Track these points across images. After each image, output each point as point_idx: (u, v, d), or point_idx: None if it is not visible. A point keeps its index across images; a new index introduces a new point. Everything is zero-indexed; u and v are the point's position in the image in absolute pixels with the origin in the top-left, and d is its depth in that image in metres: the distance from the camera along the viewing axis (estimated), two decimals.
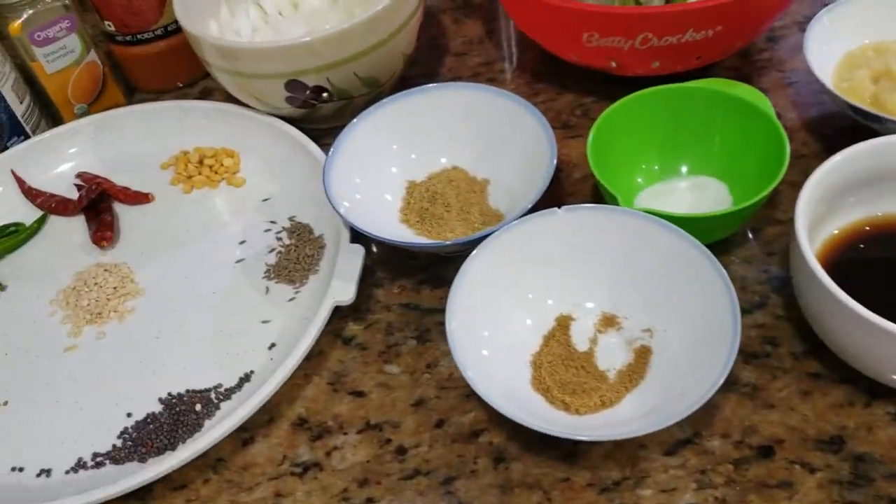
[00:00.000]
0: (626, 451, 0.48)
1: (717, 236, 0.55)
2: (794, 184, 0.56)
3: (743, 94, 0.57)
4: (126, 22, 0.76)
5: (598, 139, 0.57)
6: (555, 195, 0.63)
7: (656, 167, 0.60)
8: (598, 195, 0.63)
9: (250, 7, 0.75)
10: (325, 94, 0.66)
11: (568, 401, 0.48)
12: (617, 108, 0.58)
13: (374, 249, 0.62)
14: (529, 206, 0.53)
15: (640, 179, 0.60)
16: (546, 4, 0.63)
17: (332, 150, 0.60)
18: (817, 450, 0.46)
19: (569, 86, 0.72)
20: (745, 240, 0.58)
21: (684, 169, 0.60)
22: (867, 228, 0.52)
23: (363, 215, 0.58)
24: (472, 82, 0.69)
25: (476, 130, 0.63)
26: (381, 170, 0.62)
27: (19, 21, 0.70)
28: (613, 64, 0.65)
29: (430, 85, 0.63)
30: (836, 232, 0.52)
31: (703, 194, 0.59)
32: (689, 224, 0.51)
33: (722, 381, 0.43)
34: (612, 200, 0.54)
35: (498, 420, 0.49)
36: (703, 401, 0.43)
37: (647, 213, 0.51)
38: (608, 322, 0.52)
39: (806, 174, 0.50)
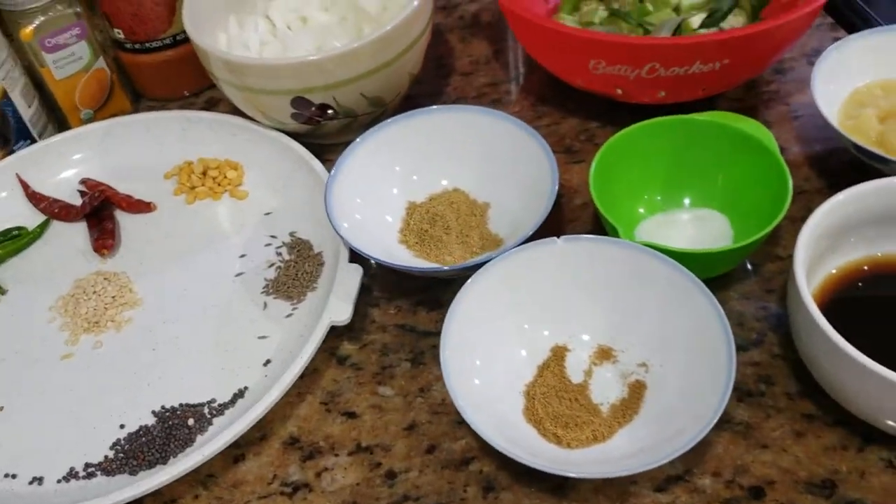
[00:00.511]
0: (617, 487, 0.48)
1: (716, 271, 0.55)
2: (795, 219, 0.56)
3: (748, 128, 0.57)
4: (135, 30, 0.76)
5: (600, 168, 0.57)
6: (555, 221, 0.63)
7: (659, 198, 0.60)
8: (600, 223, 0.63)
9: (259, 20, 0.75)
10: (330, 112, 0.66)
11: (560, 434, 0.48)
12: (620, 138, 0.58)
13: (373, 268, 0.62)
14: (528, 234, 0.53)
15: (642, 210, 0.60)
16: (553, 30, 0.63)
17: (334, 169, 0.60)
18: (808, 493, 0.46)
19: (573, 110, 0.72)
20: (745, 275, 0.58)
21: (687, 201, 0.60)
22: (866, 268, 0.52)
23: (363, 235, 0.58)
24: (476, 104, 0.69)
25: (478, 153, 0.63)
26: (383, 190, 0.62)
27: (31, 27, 0.70)
28: (619, 91, 0.65)
29: (434, 107, 0.63)
30: (834, 271, 0.52)
31: (705, 227, 0.59)
32: (688, 259, 0.51)
33: (714, 423, 0.43)
34: (613, 231, 0.54)
35: (489, 448, 0.49)
36: (695, 441, 0.43)
37: (646, 246, 0.51)
38: (604, 355, 0.52)
39: (808, 210, 0.50)
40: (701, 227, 0.59)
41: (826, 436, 0.49)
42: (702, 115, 0.59)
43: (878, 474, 0.46)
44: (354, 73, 0.63)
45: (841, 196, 0.49)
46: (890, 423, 0.45)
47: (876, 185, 0.50)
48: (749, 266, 0.58)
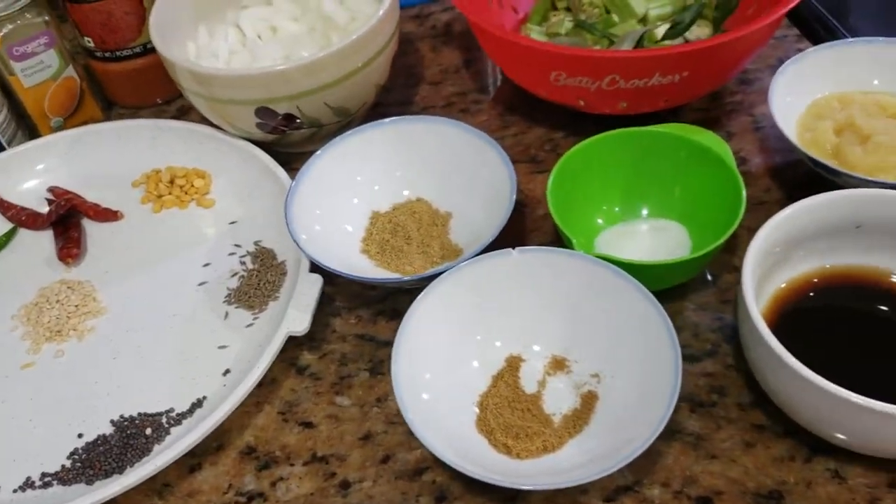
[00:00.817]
0: (567, 496, 0.48)
1: (672, 282, 0.56)
2: (754, 230, 0.56)
3: (705, 140, 0.58)
4: (105, 38, 0.76)
5: (559, 179, 0.57)
6: (517, 231, 0.64)
7: (617, 209, 0.61)
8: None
9: (229, 30, 0.75)
10: (296, 122, 0.66)
11: (510, 444, 0.48)
12: (579, 150, 0.58)
13: (335, 279, 0.62)
14: (485, 244, 0.54)
15: (601, 220, 0.61)
16: (515, 43, 0.63)
17: (294, 180, 0.60)
18: None
19: (539, 120, 0.73)
20: (703, 285, 0.58)
21: (645, 211, 0.61)
22: (816, 280, 0.53)
23: (323, 246, 0.58)
24: (444, 114, 0.69)
25: (440, 163, 0.63)
26: (343, 200, 0.63)
27: None
28: (581, 102, 0.65)
29: (395, 118, 0.64)
30: (784, 285, 0.52)
31: (664, 237, 0.59)
32: (643, 270, 0.51)
33: (658, 432, 0.43)
34: (568, 242, 0.54)
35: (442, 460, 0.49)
36: (641, 450, 0.43)
37: (600, 258, 0.51)
38: (558, 365, 0.53)
39: (767, 220, 0.50)
40: (659, 238, 0.59)
41: (775, 446, 0.49)
42: (660, 126, 0.60)
43: (824, 485, 0.47)
44: (318, 83, 0.63)
45: (788, 211, 0.49)
46: (836, 434, 0.46)
47: (822, 199, 0.50)
48: (707, 275, 0.58)
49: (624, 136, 0.59)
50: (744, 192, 0.54)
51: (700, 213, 0.58)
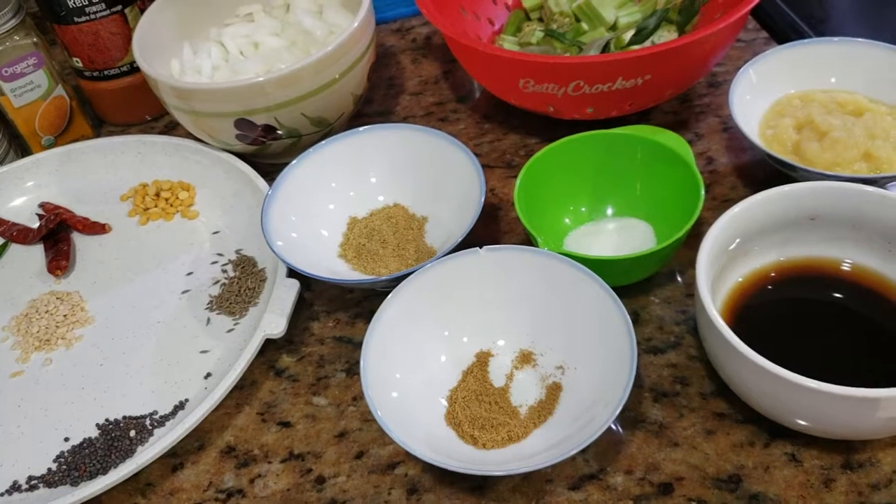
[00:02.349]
0: (534, 485, 0.50)
1: (638, 276, 0.57)
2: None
3: (666, 140, 0.60)
4: (93, 59, 0.79)
5: (527, 182, 0.59)
6: (492, 233, 0.66)
7: (585, 209, 0.63)
8: None
9: (213, 47, 0.78)
10: (275, 133, 0.68)
11: (476, 435, 0.50)
12: (546, 153, 0.60)
13: (314, 284, 0.64)
14: (455, 244, 0.56)
15: (568, 220, 0.62)
16: (484, 52, 0.65)
17: (270, 190, 0.62)
18: (715, 488, 0.48)
19: (515, 127, 0.75)
20: (669, 280, 0.60)
21: (611, 210, 0.62)
22: (772, 274, 0.54)
23: (299, 251, 0.60)
24: (423, 123, 0.71)
25: (415, 169, 0.65)
26: (319, 207, 0.65)
27: None
28: (551, 108, 0.67)
29: (367, 126, 0.66)
30: (741, 279, 0.54)
31: (630, 235, 0.61)
32: (607, 266, 0.53)
33: (612, 419, 0.45)
34: (535, 241, 0.56)
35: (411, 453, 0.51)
36: (597, 434, 0.45)
37: (566, 255, 0.53)
38: (525, 359, 0.54)
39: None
40: (625, 236, 0.61)
41: (735, 433, 0.50)
42: (622, 129, 0.61)
43: (781, 468, 0.48)
44: (295, 94, 0.65)
45: (742, 205, 0.51)
46: (793, 420, 0.47)
47: (775, 193, 0.52)
48: (675, 272, 0.60)
49: (588, 139, 0.61)
50: (702, 189, 0.55)
51: (664, 210, 0.60)
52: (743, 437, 0.50)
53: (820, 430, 0.47)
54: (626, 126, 0.63)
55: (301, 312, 0.62)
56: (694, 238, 0.54)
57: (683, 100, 0.74)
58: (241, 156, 0.72)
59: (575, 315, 0.52)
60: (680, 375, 0.54)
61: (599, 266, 0.52)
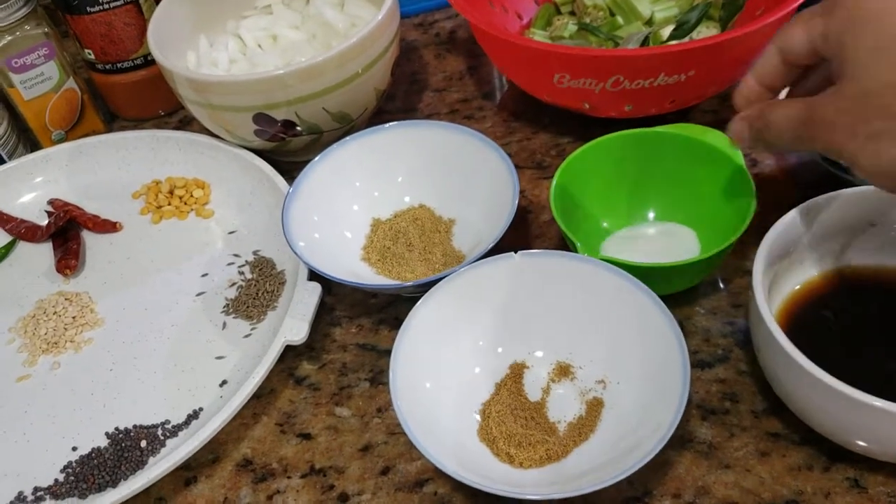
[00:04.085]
0: None
1: (680, 286, 0.54)
2: (764, 233, 0.54)
3: (713, 140, 0.56)
4: (106, 51, 0.76)
5: (563, 183, 0.55)
6: (522, 237, 0.62)
7: (625, 212, 0.59)
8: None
9: (230, 39, 0.75)
10: (296, 128, 0.65)
11: (513, 453, 0.47)
12: (583, 153, 0.57)
13: (336, 288, 0.61)
14: (487, 249, 0.52)
15: (606, 224, 0.59)
16: (516, 44, 0.62)
17: (291, 188, 0.59)
18: None
19: (545, 125, 0.72)
20: (713, 290, 0.56)
21: (653, 214, 0.59)
22: (830, 282, 0.51)
23: (322, 254, 0.57)
24: (449, 120, 0.68)
25: (443, 169, 0.62)
26: (342, 207, 0.61)
27: None
28: (586, 105, 0.64)
29: (393, 123, 0.62)
30: (797, 287, 0.50)
31: (672, 241, 0.57)
32: (650, 273, 0.50)
33: (667, 439, 0.41)
34: (573, 247, 0.53)
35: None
36: (648, 458, 0.41)
37: (605, 261, 0.50)
38: (562, 371, 0.51)
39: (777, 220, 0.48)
40: (667, 242, 0.57)
41: (791, 455, 0.47)
42: (665, 127, 0.58)
43: (842, 494, 0.45)
44: (316, 88, 0.62)
45: (799, 210, 0.48)
46: (856, 441, 0.44)
47: (834, 198, 0.48)
48: (718, 280, 0.57)
49: (628, 138, 0.57)
50: (754, 191, 0.52)
51: (709, 215, 0.56)
52: (800, 460, 0.46)
53: (886, 453, 0.44)
54: (668, 125, 0.60)
55: (322, 318, 0.59)
56: (739, 245, 0.50)
57: (724, 98, 0.71)
58: (258, 153, 0.69)
59: (618, 326, 0.49)
60: (729, 391, 0.50)
61: (643, 273, 0.49)
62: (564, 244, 0.61)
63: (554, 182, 0.55)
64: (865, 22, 0.40)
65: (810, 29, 0.43)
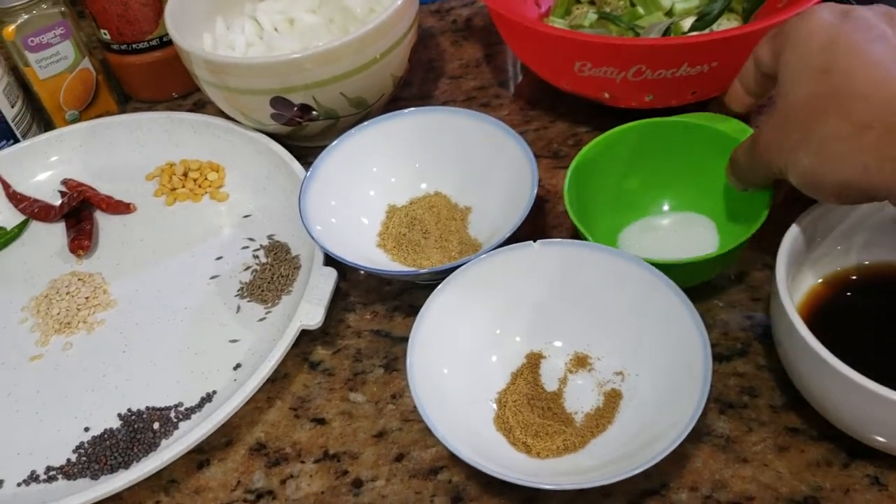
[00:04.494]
0: (589, 499, 0.46)
1: (698, 279, 0.53)
2: (785, 225, 0.54)
3: (730, 129, 0.55)
4: (122, 31, 0.75)
5: (579, 174, 0.55)
6: (538, 226, 0.62)
7: (642, 202, 0.58)
8: None
9: (246, 22, 0.74)
10: (311, 113, 0.64)
11: (530, 443, 0.46)
12: (599, 143, 0.56)
13: (350, 273, 0.60)
14: (505, 238, 0.52)
15: (624, 214, 0.58)
16: (538, 32, 0.61)
17: (309, 171, 0.59)
18: None
19: (563, 114, 0.71)
20: (732, 283, 0.56)
21: (671, 204, 0.58)
22: (855, 277, 0.50)
23: (338, 239, 0.56)
24: (465, 107, 0.67)
25: (460, 156, 0.61)
26: (359, 193, 0.61)
27: (14, 25, 0.70)
28: (606, 95, 0.63)
29: (413, 108, 0.62)
30: (820, 281, 0.50)
31: (690, 232, 0.57)
32: (665, 269, 0.49)
33: (686, 433, 0.41)
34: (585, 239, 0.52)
35: (459, 457, 0.47)
36: (667, 452, 0.41)
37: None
38: (580, 362, 0.50)
39: (799, 214, 0.48)
40: (685, 232, 0.57)
41: (810, 450, 0.46)
42: (682, 116, 0.57)
43: (862, 491, 0.44)
44: (334, 73, 0.62)
45: (820, 206, 0.47)
46: (876, 437, 0.43)
47: None
48: (736, 276, 0.56)
49: (645, 127, 0.56)
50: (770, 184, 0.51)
51: (727, 205, 0.56)
52: (819, 456, 0.46)
53: None
54: (686, 114, 0.59)
55: (336, 303, 0.59)
56: (758, 237, 0.50)
57: None
58: (274, 137, 0.68)
59: (638, 318, 0.48)
60: (748, 385, 0.50)
61: (659, 269, 0.48)
62: (580, 234, 0.60)
63: (568, 174, 0.54)
64: (796, 44, 0.44)
65: (772, 46, 0.46)
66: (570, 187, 0.54)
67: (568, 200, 0.53)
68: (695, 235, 0.56)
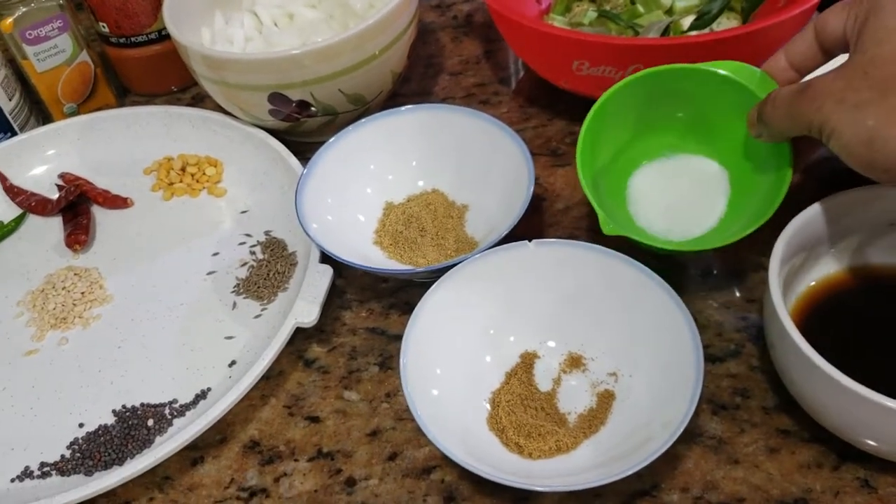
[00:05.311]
0: (581, 499, 0.46)
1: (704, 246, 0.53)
2: (780, 226, 0.53)
3: (755, 87, 0.53)
4: (120, 24, 0.75)
5: (595, 123, 0.54)
6: (535, 225, 0.62)
7: (657, 145, 0.57)
8: (581, 228, 0.61)
9: (245, 16, 0.74)
10: (310, 109, 0.64)
11: (522, 444, 0.46)
12: (619, 89, 0.54)
13: (346, 271, 0.60)
14: (501, 236, 0.52)
15: (638, 155, 0.57)
16: (537, 30, 0.61)
17: (306, 168, 0.59)
18: None
19: (561, 112, 0.71)
20: (727, 284, 0.56)
21: (682, 147, 0.57)
22: (846, 280, 0.50)
23: (334, 236, 0.56)
24: (464, 104, 0.67)
25: (457, 154, 0.61)
26: (356, 190, 0.61)
27: (12, 18, 0.70)
28: None
29: (410, 106, 0.62)
30: (812, 284, 0.50)
31: (700, 182, 0.56)
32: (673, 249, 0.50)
33: (678, 435, 0.41)
34: (599, 206, 0.51)
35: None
36: (659, 453, 0.41)
37: (629, 239, 0.49)
38: (574, 363, 0.51)
39: (795, 215, 0.48)
40: (696, 181, 0.56)
41: (801, 452, 0.47)
42: (709, 64, 0.54)
43: (852, 494, 0.44)
44: (333, 69, 0.62)
45: (818, 206, 0.47)
46: (867, 441, 0.43)
47: (854, 195, 0.48)
48: (732, 274, 0.56)
49: (669, 73, 0.54)
50: (790, 150, 0.50)
51: (744, 160, 0.54)
52: (810, 458, 0.46)
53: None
54: (712, 62, 0.56)
55: (332, 300, 0.59)
56: (753, 239, 0.50)
57: None
58: (272, 133, 0.68)
59: (632, 319, 0.48)
60: (741, 387, 0.50)
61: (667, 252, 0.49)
62: (578, 234, 0.60)
63: (584, 127, 0.53)
64: (891, 6, 0.41)
65: (845, 15, 0.44)
66: (585, 134, 0.53)
67: (580, 163, 0.52)
68: (707, 184, 0.55)
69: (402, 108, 0.62)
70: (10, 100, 0.73)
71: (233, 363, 0.56)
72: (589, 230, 0.61)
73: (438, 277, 0.50)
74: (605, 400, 0.48)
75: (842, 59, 0.45)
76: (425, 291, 0.50)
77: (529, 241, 0.51)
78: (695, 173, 0.56)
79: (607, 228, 0.50)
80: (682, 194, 0.56)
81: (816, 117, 0.42)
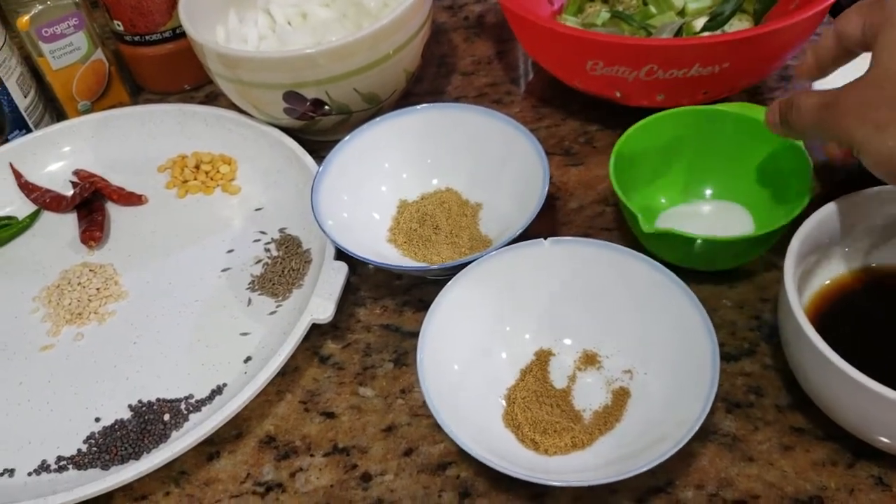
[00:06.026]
0: (596, 496, 0.46)
1: (736, 262, 0.55)
2: (794, 226, 0.54)
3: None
4: (135, 22, 0.76)
5: (621, 156, 0.55)
6: (549, 224, 0.62)
7: (681, 188, 0.59)
8: (594, 226, 0.61)
9: (259, 15, 0.74)
10: (324, 108, 0.65)
11: (538, 440, 0.47)
12: (643, 127, 0.56)
13: (361, 268, 0.61)
14: (516, 234, 0.52)
15: (664, 200, 0.59)
16: (551, 30, 0.62)
17: (322, 166, 0.59)
18: None
19: (574, 112, 0.71)
20: (741, 283, 0.56)
21: (710, 192, 0.59)
22: (861, 280, 0.50)
23: (349, 233, 0.57)
24: (476, 104, 0.68)
25: (471, 153, 0.62)
26: (371, 188, 0.61)
27: (28, 16, 0.70)
28: (618, 94, 0.63)
29: (425, 105, 0.62)
30: (827, 282, 0.50)
31: (727, 219, 0.57)
32: (701, 247, 0.50)
33: (694, 432, 0.42)
34: (632, 220, 0.52)
35: (467, 453, 0.48)
36: (674, 450, 0.41)
37: (660, 233, 0.50)
38: (589, 360, 0.51)
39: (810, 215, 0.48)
40: (722, 220, 0.57)
41: (815, 450, 0.47)
42: (726, 105, 0.57)
43: (867, 491, 0.45)
44: (347, 68, 0.62)
45: (832, 207, 0.47)
46: (881, 438, 0.44)
47: (868, 195, 0.48)
48: (746, 274, 0.56)
49: (688, 114, 0.57)
50: (811, 174, 0.51)
51: (766, 196, 0.56)
52: (824, 456, 0.46)
53: None
54: (729, 103, 0.59)
55: (346, 297, 0.59)
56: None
57: (753, 93, 0.70)
58: (286, 131, 0.68)
59: (647, 317, 0.49)
60: (755, 385, 0.50)
61: (693, 247, 0.50)
62: (591, 232, 0.61)
63: (613, 156, 0.54)
64: None
65: (864, 18, 0.44)
66: (615, 167, 0.54)
67: (615, 181, 0.53)
68: (731, 222, 0.57)
69: (417, 106, 0.62)
70: (25, 97, 0.74)
71: (248, 359, 0.56)
72: (603, 229, 0.61)
73: (452, 275, 0.51)
74: (621, 397, 0.48)
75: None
76: (439, 289, 0.50)
77: (545, 239, 0.51)
78: (718, 212, 0.58)
79: (646, 227, 0.50)
80: (706, 228, 0.57)
81: (844, 135, 0.43)
